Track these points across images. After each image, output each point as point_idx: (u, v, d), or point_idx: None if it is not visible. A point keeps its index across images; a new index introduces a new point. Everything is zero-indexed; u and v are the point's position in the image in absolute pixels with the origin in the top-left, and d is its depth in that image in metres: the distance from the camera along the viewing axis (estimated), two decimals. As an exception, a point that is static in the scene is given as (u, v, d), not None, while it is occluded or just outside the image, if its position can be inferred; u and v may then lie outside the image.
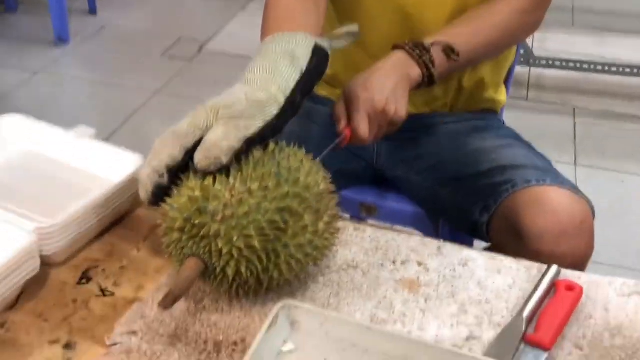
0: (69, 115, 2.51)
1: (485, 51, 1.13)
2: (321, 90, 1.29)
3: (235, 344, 0.75)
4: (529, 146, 1.20)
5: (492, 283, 0.85)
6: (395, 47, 1.05)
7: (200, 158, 0.75)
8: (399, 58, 1.03)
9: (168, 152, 0.77)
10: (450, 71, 1.08)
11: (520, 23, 1.12)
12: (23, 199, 0.91)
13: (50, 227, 0.80)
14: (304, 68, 0.83)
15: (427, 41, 1.04)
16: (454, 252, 0.90)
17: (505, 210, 1.05)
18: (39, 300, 0.81)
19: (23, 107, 2.13)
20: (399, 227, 0.95)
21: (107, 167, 0.95)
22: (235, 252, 0.73)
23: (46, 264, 0.83)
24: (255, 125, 0.77)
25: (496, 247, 1.08)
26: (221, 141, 0.75)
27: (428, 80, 1.03)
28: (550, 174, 1.08)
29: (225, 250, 0.73)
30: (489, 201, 1.07)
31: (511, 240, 1.03)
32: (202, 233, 0.73)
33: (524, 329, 0.77)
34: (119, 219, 0.93)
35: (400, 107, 1.00)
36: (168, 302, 0.71)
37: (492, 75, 1.26)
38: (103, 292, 0.82)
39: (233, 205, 0.73)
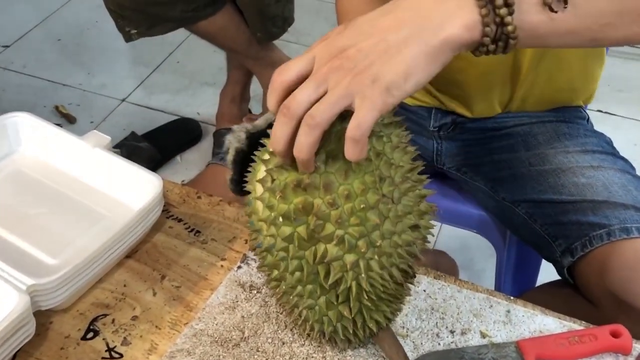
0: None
1: (620, 19, 0.60)
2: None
3: None
4: (623, 162, 0.97)
5: (569, 368, 0.71)
6: None
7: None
8: None
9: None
10: (547, 36, 0.58)
11: None
12: (26, 224, 0.79)
13: (48, 283, 0.68)
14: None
15: None
16: (525, 319, 0.75)
17: (595, 261, 0.84)
18: (37, 362, 0.70)
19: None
20: (461, 280, 0.79)
21: (123, 187, 0.82)
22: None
23: (47, 310, 0.73)
24: None
25: (579, 287, 0.90)
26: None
27: (496, 40, 0.56)
28: None
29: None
30: (575, 244, 0.87)
31: (600, 295, 0.84)
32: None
33: None
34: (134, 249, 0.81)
35: (395, 77, 0.54)
36: None
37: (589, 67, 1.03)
38: (110, 352, 0.71)
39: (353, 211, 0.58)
